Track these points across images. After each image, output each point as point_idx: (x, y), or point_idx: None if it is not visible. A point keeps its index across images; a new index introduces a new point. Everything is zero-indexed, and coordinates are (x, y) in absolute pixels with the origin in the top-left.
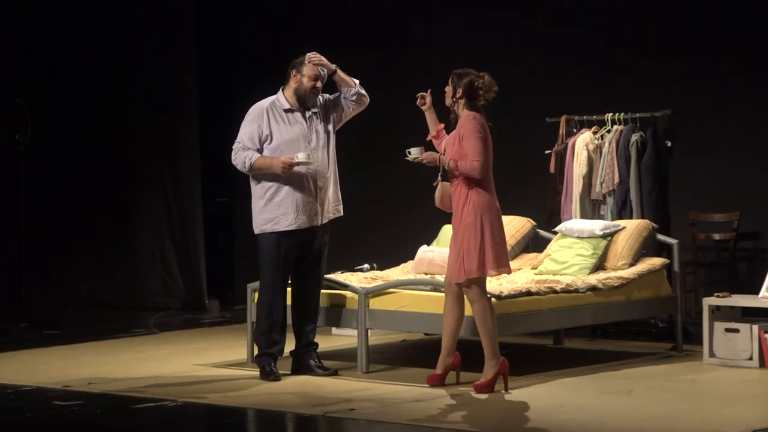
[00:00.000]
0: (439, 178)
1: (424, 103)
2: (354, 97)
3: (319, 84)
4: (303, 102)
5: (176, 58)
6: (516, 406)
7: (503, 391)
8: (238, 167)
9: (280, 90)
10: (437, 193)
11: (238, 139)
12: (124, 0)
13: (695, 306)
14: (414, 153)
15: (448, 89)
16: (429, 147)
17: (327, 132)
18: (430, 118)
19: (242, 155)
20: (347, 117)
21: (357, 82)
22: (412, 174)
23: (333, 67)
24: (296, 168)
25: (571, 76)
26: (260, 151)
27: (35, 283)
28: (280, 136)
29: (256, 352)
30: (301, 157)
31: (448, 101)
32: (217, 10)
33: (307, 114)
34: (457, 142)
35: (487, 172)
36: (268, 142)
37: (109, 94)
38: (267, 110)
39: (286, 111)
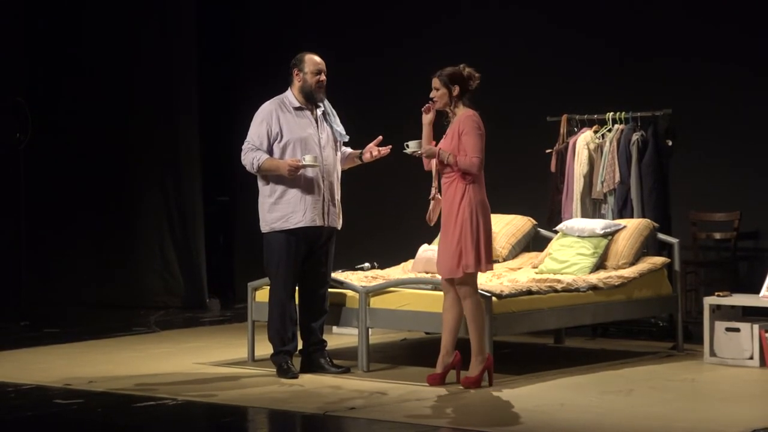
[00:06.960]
0: (434, 191)
1: (429, 112)
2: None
3: (323, 77)
4: (311, 98)
5: (176, 58)
6: (516, 405)
7: (488, 386)
8: (247, 167)
9: (288, 89)
10: (431, 208)
11: (247, 139)
12: (124, 0)
13: (696, 305)
14: (412, 146)
15: (442, 92)
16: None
17: (336, 133)
18: (427, 131)
19: (251, 156)
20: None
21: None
22: (413, 172)
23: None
24: (302, 170)
25: (571, 75)
26: (270, 150)
27: (35, 282)
28: (291, 133)
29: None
30: (308, 159)
31: (441, 104)
32: (217, 10)
33: (317, 113)
34: (456, 138)
35: (482, 170)
36: (278, 140)
37: (109, 93)
38: (276, 109)
39: (296, 109)
